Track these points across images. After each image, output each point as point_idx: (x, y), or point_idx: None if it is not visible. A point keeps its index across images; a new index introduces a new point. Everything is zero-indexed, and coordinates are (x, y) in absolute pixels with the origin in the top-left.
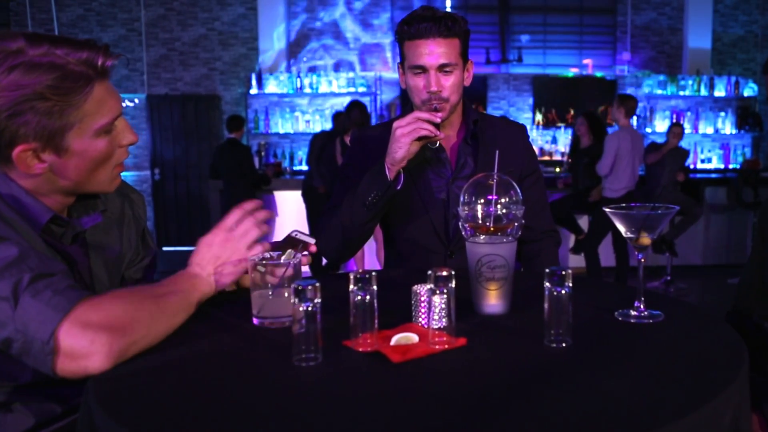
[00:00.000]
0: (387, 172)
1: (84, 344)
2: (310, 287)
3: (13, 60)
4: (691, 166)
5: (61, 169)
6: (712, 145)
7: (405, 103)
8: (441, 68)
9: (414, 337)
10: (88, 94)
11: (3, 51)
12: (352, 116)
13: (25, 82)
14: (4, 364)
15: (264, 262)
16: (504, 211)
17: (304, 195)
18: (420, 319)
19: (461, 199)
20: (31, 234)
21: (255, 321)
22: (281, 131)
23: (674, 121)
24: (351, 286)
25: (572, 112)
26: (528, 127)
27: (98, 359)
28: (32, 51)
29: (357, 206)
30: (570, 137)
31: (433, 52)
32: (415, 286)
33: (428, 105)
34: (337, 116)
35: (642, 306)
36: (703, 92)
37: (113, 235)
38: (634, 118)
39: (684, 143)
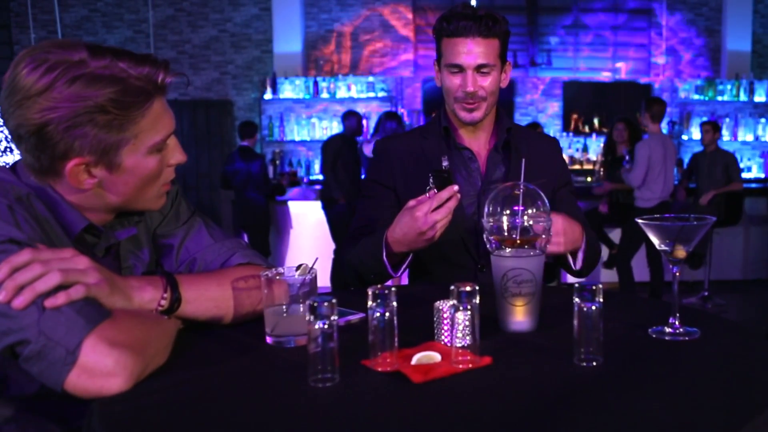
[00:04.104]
0: (386, 261)
1: (108, 363)
2: (326, 304)
3: (75, 71)
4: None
5: (111, 185)
6: (752, 153)
7: (428, 109)
8: (478, 68)
9: (436, 356)
10: (147, 110)
11: (65, 61)
12: (386, 129)
13: (86, 94)
14: (14, 373)
15: (278, 276)
16: (531, 222)
17: (324, 208)
18: (442, 337)
19: (486, 210)
20: (63, 239)
21: (268, 340)
22: (297, 138)
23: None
24: (369, 303)
25: (604, 118)
26: (557, 134)
27: (119, 381)
28: (94, 63)
29: (365, 268)
30: (602, 145)
31: (472, 51)
32: (438, 302)
33: (461, 104)
34: (347, 116)
35: (677, 323)
36: (743, 97)
37: (145, 247)
38: (669, 123)
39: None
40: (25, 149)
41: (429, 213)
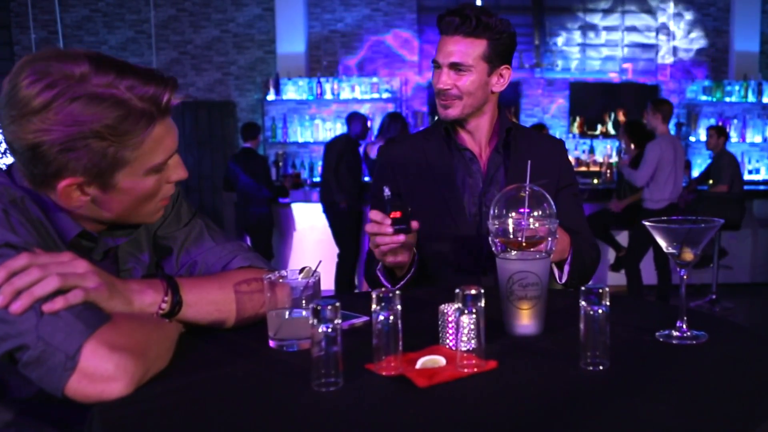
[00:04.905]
0: (378, 273)
1: (109, 367)
2: (329, 307)
3: (75, 90)
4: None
5: (104, 202)
6: (760, 154)
7: (434, 111)
8: (453, 66)
9: (441, 360)
10: (147, 136)
11: (67, 75)
12: (390, 131)
13: (83, 118)
14: (14, 377)
15: (281, 279)
16: (537, 225)
17: (326, 211)
18: (447, 341)
19: (491, 212)
20: (58, 242)
21: (271, 343)
22: (300, 140)
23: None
24: (374, 306)
25: (611, 120)
26: (563, 135)
27: (120, 385)
28: (96, 79)
29: (378, 283)
30: (608, 147)
31: (449, 49)
32: (442, 305)
33: (438, 100)
34: (351, 118)
35: (685, 326)
36: (751, 98)
37: (145, 249)
38: (675, 125)
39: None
40: (19, 161)
41: (369, 223)
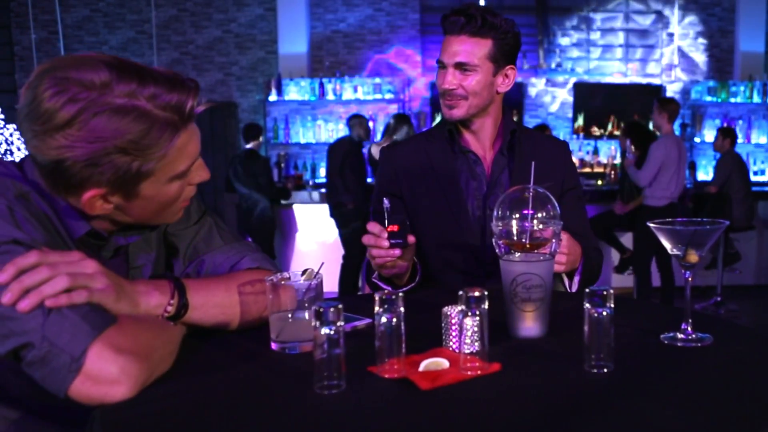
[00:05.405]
0: (378, 283)
1: (113, 370)
2: (332, 309)
3: (98, 102)
4: None
5: (127, 209)
6: (765, 155)
7: (435, 110)
8: (458, 66)
9: (444, 363)
10: (172, 146)
11: (88, 86)
12: (397, 132)
13: (106, 133)
14: (15, 376)
15: (283, 282)
16: (541, 226)
17: (333, 214)
18: (451, 343)
19: (495, 213)
20: (66, 238)
21: (273, 346)
22: (302, 141)
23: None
24: (376, 308)
25: (616, 120)
26: (567, 136)
27: (123, 388)
28: (118, 88)
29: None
30: (612, 148)
31: (454, 49)
32: (446, 307)
33: (443, 101)
34: (353, 121)
35: (689, 328)
36: (756, 99)
37: (155, 246)
38: (680, 126)
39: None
40: (42, 172)
41: (366, 235)
